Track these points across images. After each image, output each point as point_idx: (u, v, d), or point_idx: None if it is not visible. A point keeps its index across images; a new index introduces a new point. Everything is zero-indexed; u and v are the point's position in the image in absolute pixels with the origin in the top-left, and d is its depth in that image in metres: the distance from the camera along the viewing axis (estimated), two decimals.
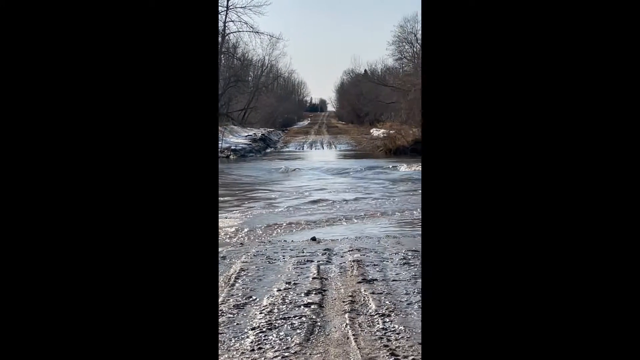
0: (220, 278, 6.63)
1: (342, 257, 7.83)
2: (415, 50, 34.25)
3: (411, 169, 21.35)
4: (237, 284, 6.42)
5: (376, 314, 5.33)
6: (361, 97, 51.72)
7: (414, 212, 12.26)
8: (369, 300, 5.77)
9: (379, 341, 4.69)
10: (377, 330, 4.93)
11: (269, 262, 7.54)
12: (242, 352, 4.52)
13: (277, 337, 4.82)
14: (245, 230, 10.23)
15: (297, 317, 5.28)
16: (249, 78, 48.05)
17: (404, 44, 34.73)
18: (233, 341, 4.75)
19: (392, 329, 4.96)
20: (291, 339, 4.78)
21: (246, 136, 34.03)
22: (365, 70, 59.91)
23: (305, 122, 68.96)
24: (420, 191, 14.45)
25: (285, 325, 5.08)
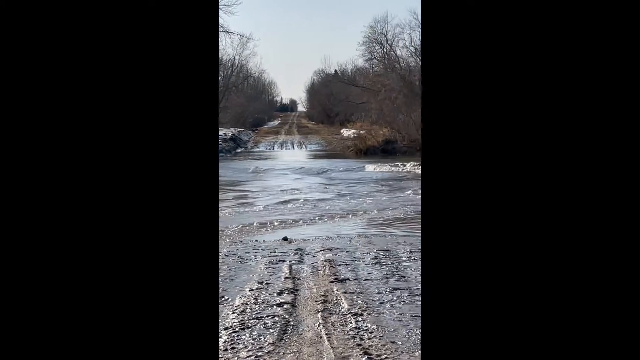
0: None
1: (314, 256, 7.84)
2: (385, 50, 34.37)
3: (381, 169, 21.44)
4: None
5: (349, 313, 5.35)
6: (331, 97, 51.79)
7: (385, 211, 12.33)
8: (341, 299, 5.79)
9: (352, 340, 4.71)
10: (350, 330, 4.95)
11: (241, 262, 7.53)
12: None
13: (250, 337, 4.82)
14: None
15: (270, 317, 5.29)
16: (219, 78, 47.83)
17: (374, 44, 34.79)
18: None
19: (365, 328, 4.98)
20: (264, 338, 4.78)
21: None
22: (335, 71, 60.01)
23: (276, 122, 68.84)
24: (390, 191, 14.53)
25: (258, 325, 5.08)
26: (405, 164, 22.33)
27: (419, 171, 20.67)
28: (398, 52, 33.80)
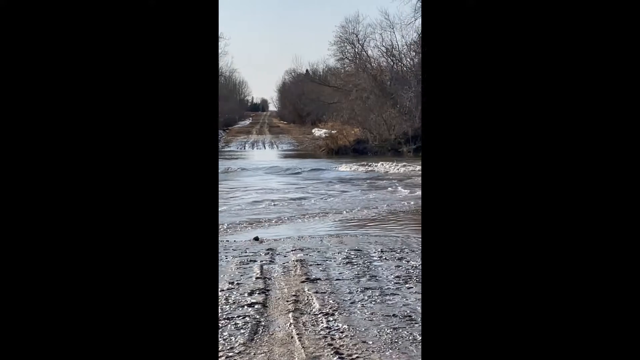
0: None
1: (285, 256, 7.83)
2: (356, 50, 34.41)
3: (353, 169, 21.48)
4: None
5: (320, 313, 5.35)
6: (303, 97, 51.75)
7: (357, 211, 12.35)
8: (312, 299, 5.79)
9: (323, 340, 4.71)
10: (321, 329, 4.95)
11: None
12: None
13: (220, 337, 4.79)
14: None
15: (240, 317, 5.26)
16: None
17: (345, 44, 34.81)
18: None
19: (336, 328, 4.98)
20: (235, 339, 4.76)
21: None
22: (307, 70, 59.98)
23: (247, 122, 68.58)
24: (361, 190, 14.57)
25: (229, 326, 5.06)
26: (376, 163, 22.40)
27: (391, 170, 20.75)
28: (369, 52, 33.88)
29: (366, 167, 21.89)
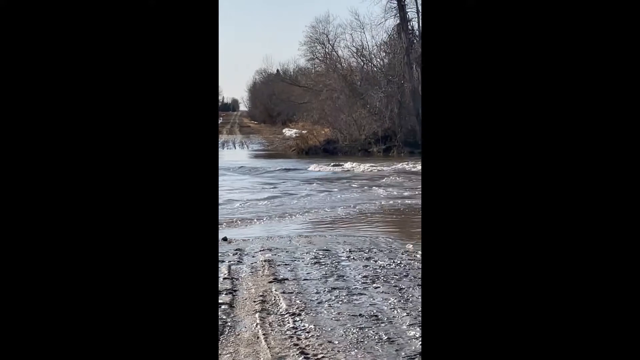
0: None
1: (253, 257, 7.82)
2: (327, 50, 34.42)
3: (323, 169, 21.50)
4: None
5: (287, 313, 5.35)
6: (273, 97, 51.65)
7: (326, 211, 12.36)
8: (279, 299, 5.79)
9: (289, 340, 4.71)
10: (288, 330, 4.95)
11: None
12: None
13: None
14: None
15: None
16: None
17: (315, 44, 34.78)
18: None
19: (302, 328, 4.99)
20: None
21: None
22: (277, 70, 59.88)
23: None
24: (331, 190, 14.56)
25: None
26: (346, 163, 22.45)
27: (361, 170, 20.81)
28: (340, 52, 33.90)
29: (336, 167, 21.93)
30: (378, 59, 32.25)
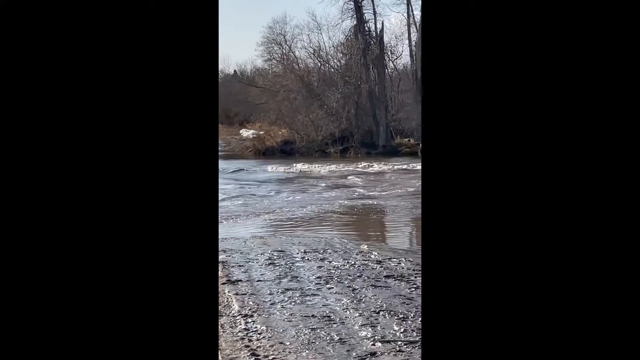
0: None
1: None
2: (284, 51, 34.40)
3: (280, 170, 21.48)
4: None
5: (239, 315, 5.32)
6: (230, 98, 51.42)
7: (282, 212, 12.35)
8: (232, 301, 5.75)
9: (241, 342, 4.68)
10: (239, 331, 4.92)
11: None
12: None
13: None
14: None
15: None
16: None
17: (272, 45, 34.74)
18: None
19: (254, 329, 4.96)
20: None
21: None
22: (234, 71, 59.64)
23: None
24: (288, 191, 14.57)
25: None
26: (304, 164, 22.46)
27: (318, 171, 20.85)
28: (297, 53, 33.93)
29: (293, 168, 21.93)
30: (335, 60, 32.39)
